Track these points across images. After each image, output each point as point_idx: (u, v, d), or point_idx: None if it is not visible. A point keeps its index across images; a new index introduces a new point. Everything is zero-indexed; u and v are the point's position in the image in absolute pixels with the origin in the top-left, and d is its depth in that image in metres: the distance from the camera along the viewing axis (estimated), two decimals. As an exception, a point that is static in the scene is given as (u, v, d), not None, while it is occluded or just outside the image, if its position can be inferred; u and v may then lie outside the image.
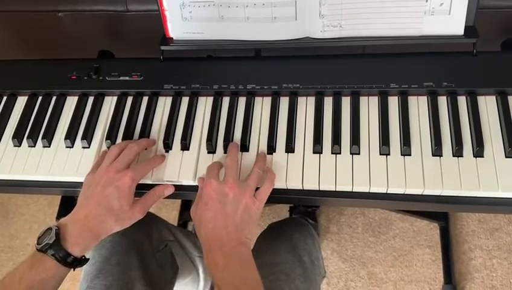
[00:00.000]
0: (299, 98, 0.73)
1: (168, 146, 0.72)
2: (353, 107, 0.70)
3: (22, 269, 0.59)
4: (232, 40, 0.74)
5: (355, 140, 0.67)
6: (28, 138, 0.76)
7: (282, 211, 1.40)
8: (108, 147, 0.74)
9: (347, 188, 0.65)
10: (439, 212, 1.33)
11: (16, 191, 0.77)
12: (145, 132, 0.74)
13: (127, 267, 0.78)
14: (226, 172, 0.65)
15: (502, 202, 0.62)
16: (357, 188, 0.65)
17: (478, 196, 0.63)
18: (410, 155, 0.65)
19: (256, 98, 0.74)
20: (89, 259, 0.64)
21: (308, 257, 0.82)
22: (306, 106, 0.72)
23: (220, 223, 0.60)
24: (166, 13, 0.73)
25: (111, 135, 0.74)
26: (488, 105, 0.68)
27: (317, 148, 0.68)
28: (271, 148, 0.69)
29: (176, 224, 1.37)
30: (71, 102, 0.79)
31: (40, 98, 0.80)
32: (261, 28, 0.72)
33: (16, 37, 0.95)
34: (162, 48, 0.76)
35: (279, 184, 0.66)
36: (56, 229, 0.60)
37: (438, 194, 0.63)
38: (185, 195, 0.71)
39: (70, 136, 0.75)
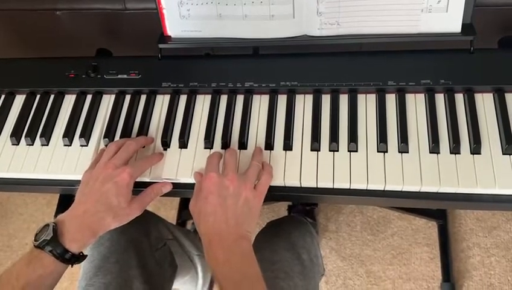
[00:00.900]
0: (296, 95, 0.73)
1: (166, 144, 0.72)
2: (351, 104, 0.70)
3: (19, 266, 0.59)
4: (230, 38, 0.74)
5: (352, 137, 0.67)
6: (26, 136, 0.76)
7: (280, 210, 1.40)
8: (106, 145, 0.74)
9: (345, 185, 0.65)
10: (438, 210, 1.33)
11: (14, 189, 0.77)
12: (143, 130, 0.74)
13: (126, 265, 0.78)
14: (225, 165, 0.65)
15: (499, 199, 0.63)
16: (355, 186, 0.65)
17: (475, 193, 0.63)
18: (407, 152, 0.66)
19: (254, 96, 0.74)
20: (86, 255, 0.64)
21: (307, 255, 0.82)
22: (304, 104, 0.72)
23: (220, 217, 0.60)
24: (164, 11, 0.73)
25: (109, 133, 0.74)
26: (485, 102, 0.68)
27: (315, 145, 0.68)
28: (269, 146, 0.69)
29: (174, 223, 1.37)
30: (69, 100, 0.79)
31: (38, 96, 0.81)
32: (259, 26, 0.72)
33: (14, 36, 0.95)
34: (160, 46, 0.76)
35: (277, 182, 0.67)
36: (53, 226, 0.60)
37: (436, 191, 0.63)
38: (183, 193, 0.71)
39: (69, 135, 0.75)
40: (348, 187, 0.65)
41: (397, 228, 1.35)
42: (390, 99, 0.70)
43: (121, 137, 0.74)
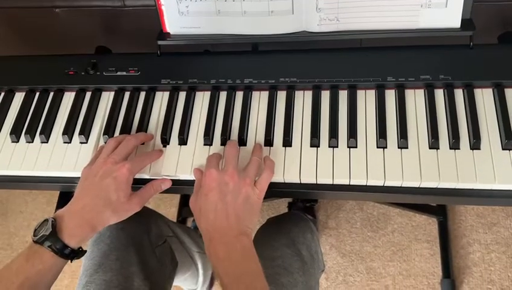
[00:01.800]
0: (296, 92, 0.73)
1: (165, 141, 0.72)
2: (350, 100, 0.70)
3: (18, 261, 0.59)
4: (229, 35, 0.74)
5: (352, 133, 0.67)
6: (25, 133, 0.76)
7: (280, 207, 1.40)
8: (106, 142, 0.74)
9: (344, 181, 0.65)
10: (438, 207, 1.33)
11: (14, 186, 0.77)
12: (143, 127, 0.74)
13: (126, 262, 0.78)
14: (226, 161, 0.65)
15: (498, 194, 0.63)
16: (355, 181, 0.65)
17: (475, 188, 0.63)
18: (407, 148, 0.66)
19: (253, 92, 0.74)
20: (85, 251, 0.64)
21: (307, 251, 0.82)
22: (303, 100, 0.72)
23: (221, 213, 0.60)
24: (163, 8, 0.73)
25: (108, 130, 0.74)
26: (484, 98, 0.68)
27: (315, 141, 0.68)
28: (268, 142, 0.69)
29: (174, 220, 1.37)
30: (68, 98, 0.79)
31: (37, 94, 0.80)
32: (258, 22, 0.72)
33: (13, 33, 0.95)
34: (159, 42, 0.76)
35: (277, 178, 0.66)
36: (52, 221, 0.60)
37: (435, 186, 0.63)
38: (182, 189, 0.71)
39: (68, 132, 0.75)
40: (348, 183, 0.65)
41: (397, 225, 1.35)
42: (390, 95, 0.70)
43: (120, 134, 0.74)
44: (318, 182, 0.66)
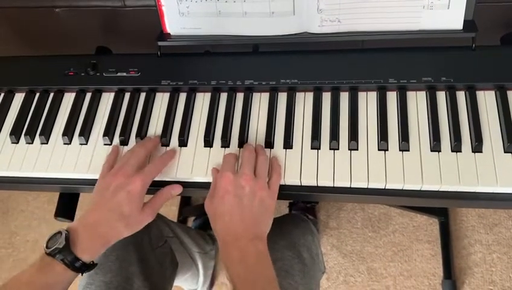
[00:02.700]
0: (297, 93, 0.72)
1: (165, 143, 0.72)
2: (351, 102, 0.70)
3: (29, 273, 0.58)
4: (230, 36, 0.74)
5: (353, 136, 0.67)
6: (25, 134, 0.76)
7: (281, 208, 1.40)
8: (105, 144, 0.73)
9: (345, 183, 0.65)
10: (439, 207, 1.33)
11: (14, 188, 0.77)
12: (143, 129, 0.73)
13: (126, 263, 0.78)
14: (242, 164, 0.64)
15: (500, 197, 0.62)
16: (356, 184, 0.65)
17: (477, 191, 0.62)
18: (408, 151, 0.65)
19: (254, 93, 0.74)
20: (97, 264, 0.63)
21: (307, 253, 0.82)
22: (304, 102, 0.72)
23: (236, 217, 0.60)
24: (164, 8, 0.73)
25: (108, 132, 0.74)
26: (487, 100, 0.68)
27: (315, 144, 0.67)
28: (269, 144, 0.69)
29: (175, 220, 1.37)
30: (68, 98, 0.79)
31: (37, 94, 0.80)
32: (259, 23, 0.71)
33: (13, 34, 0.94)
34: (159, 43, 0.76)
35: (277, 180, 0.66)
36: (66, 234, 0.59)
37: (437, 189, 0.63)
38: (184, 191, 0.71)
39: (68, 133, 0.74)
40: (349, 186, 0.65)
41: (398, 225, 1.35)
42: (391, 97, 0.70)
43: (120, 135, 0.73)
44: (319, 185, 0.66)
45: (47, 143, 0.75)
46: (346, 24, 0.70)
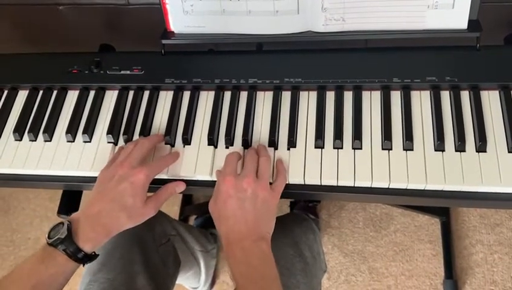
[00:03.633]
0: (300, 92, 0.72)
1: (169, 141, 0.72)
2: (355, 101, 0.70)
3: (31, 263, 0.58)
4: (234, 34, 0.74)
5: (357, 135, 0.67)
6: (29, 132, 0.76)
7: (283, 207, 1.40)
8: (109, 142, 0.73)
9: (349, 183, 0.65)
10: (441, 207, 1.33)
11: (17, 185, 0.77)
12: (147, 126, 0.73)
13: (130, 260, 0.78)
14: (245, 166, 0.64)
15: (504, 197, 0.62)
16: (359, 183, 0.65)
17: (480, 191, 0.62)
18: (412, 150, 0.65)
19: (257, 92, 0.74)
20: (98, 255, 0.63)
21: (309, 252, 0.82)
22: (308, 101, 0.72)
23: (239, 219, 0.60)
24: (168, 6, 0.73)
25: (112, 129, 0.74)
26: (491, 100, 0.68)
27: (319, 143, 0.67)
28: (272, 143, 0.69)
29: (177, 219, 1.37)
30: (72, 96, 0.79)
31: (41, 92, 0.80)
32: (263, 22, 0.71)
33: (17, 31, 0.94)
34: (163, 41, 0.76)
35: (281, 179, 0.66)
36: (68, 224, 0.59)
37: (440, 189, 0.63)
38: (187, 189, 0.71)
39: (72, 131, 0.74)
40: (353, 185, 0.65)
41: (400, 225, 1.35)
42: (395, 97, 0.70)
43: (124, 133, 0.73)
44: (322, 184, 0.66)
45: (50, 140, 0.75)
46: (351, 23, 0.70)
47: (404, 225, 1.35)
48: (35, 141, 0.76)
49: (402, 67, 0.70)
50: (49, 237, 0.59)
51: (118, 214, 0.61)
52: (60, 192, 0.80)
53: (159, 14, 0.74)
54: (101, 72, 0.78)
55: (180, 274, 0.97)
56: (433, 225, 1.33)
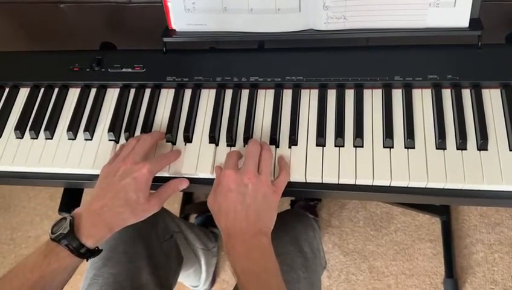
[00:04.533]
0: (302, 90, 0.72)
1: (170, 139, 0.72)
2: (357, 99, 0.70)
3: (34, 258, 0.58)
4: (235, 32, 0.74)
5: (358, 133, 0.67)
6: (30, 129, 0.76)
7: (283, 205, 1.40)
8: (110, 140, 0.73)
9: (350, 181, 0.65)
10: (441, 206, 1.33)
11: (18, 183, 0.77)
12: (148, 124, 0.73)
13: (134, 256, 0.78)
14: (246, 160, 0.64)
15: (505, 195, 0.62)
16: (360, 181, 0.65)
17: (482, 189, 0.62)
18: (413, 148, 0.65)
19: (259, 90, 0.74)
20: (101, 250, 0.63)
21: (309, 248, 0.82)
22: (309, 99, 0.72)
23: (240, 214, 0.60)
24: (169, 4, 0.73)
25: (114, 127, 0.74)
26: (492, 98, 0.68)
27: (321, 141, 0.67)
28: (274, 141, 0.69)
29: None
30: (73, 94, 0.79)
31: (42, 89, 0.80)
32: (265, 20, 0.71)
33: (18, 29, 0.94)
34: (165, 39, 0.76)
35: (282, 177, 0.66)
36: (70, 220, 0.59)
37: (442, 187, 0.63)
38: (189, 187, 0.71)
39: (73, 128, 0.74)
40: (354, 183, 0.65)
41: (400, 224, 1.35)
42: (397, 95, 0.70)
43: (125, 131, 0.73)
44: (324, 181, 0.66)
45: (52, 138, 0.75)
46: (352, 21, 0.70)
47: (404, 224, 1.35)
48: (36, 138, 0.76)
49: (403, 66, 0.70)
50: (52, 232, 0.59)
51: (121, 210, 0.61)
52: (61, 190, 0.80)
53: (160, 12, 0.74)
54: (103, 70, 0.78)
55: (181, 272, 0.97)
56: (434, 224, 1.33)
